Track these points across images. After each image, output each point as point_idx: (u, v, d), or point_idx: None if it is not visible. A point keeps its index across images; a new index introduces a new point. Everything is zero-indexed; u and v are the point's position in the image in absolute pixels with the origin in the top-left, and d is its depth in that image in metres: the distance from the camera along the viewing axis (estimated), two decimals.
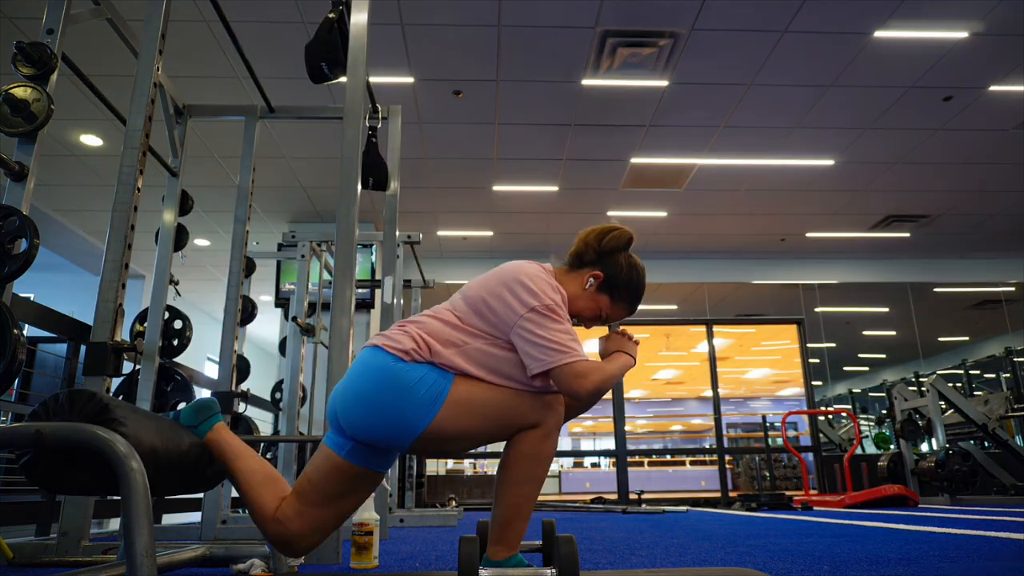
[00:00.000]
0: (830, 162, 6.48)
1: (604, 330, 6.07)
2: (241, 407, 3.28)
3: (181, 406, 1.65)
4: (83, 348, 2.76)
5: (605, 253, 1.44)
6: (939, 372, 10.70)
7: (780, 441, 8.40)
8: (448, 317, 1.38)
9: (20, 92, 1.96)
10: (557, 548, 1.27)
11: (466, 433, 1.32)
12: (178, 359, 3.08)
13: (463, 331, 1.36)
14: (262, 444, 4.47)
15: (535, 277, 1.35)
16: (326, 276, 4.93)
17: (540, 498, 7.40)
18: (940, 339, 11.85)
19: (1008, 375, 9.50)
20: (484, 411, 1.31)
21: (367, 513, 1.88)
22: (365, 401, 1.31)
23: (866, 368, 13.76)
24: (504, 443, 1.38)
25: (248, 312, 3.92)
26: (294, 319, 4.40)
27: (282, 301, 6.96)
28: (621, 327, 1.48)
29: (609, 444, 8.33)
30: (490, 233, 8.05)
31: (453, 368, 1.33)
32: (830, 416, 9.58)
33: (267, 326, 10.32)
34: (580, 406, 1.48)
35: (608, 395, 8.27)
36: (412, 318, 1.42)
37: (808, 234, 8.32)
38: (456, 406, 1.30)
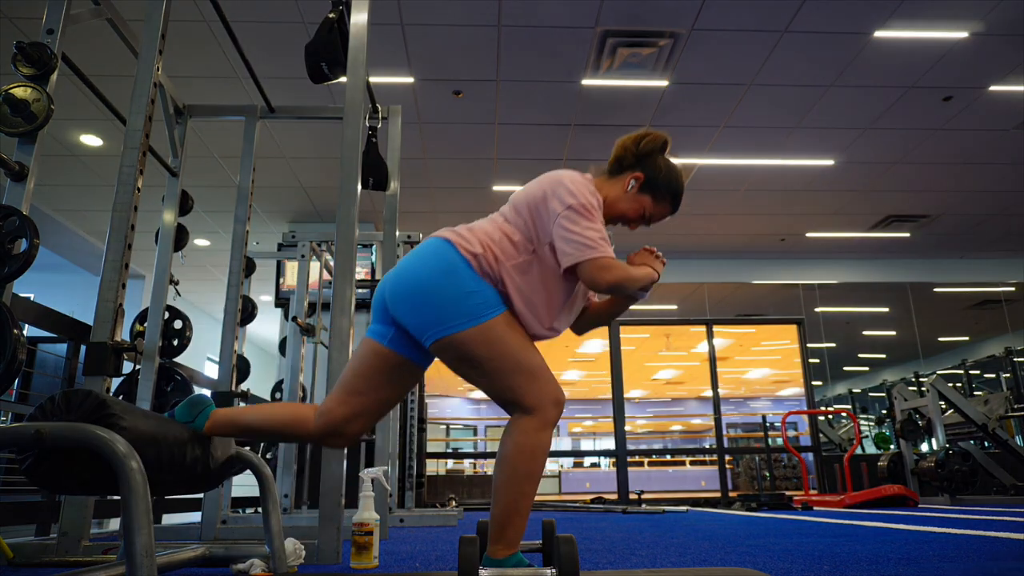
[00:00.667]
0: (830, 162, 6.48)
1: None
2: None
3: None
4: (83, 348, 2.76)
5: (644, 155, 1.51)
6: (939, 372, 10.69)
7: (780, 441, 8.40)
8: (504, 228, 1.44)
9: (20, 92, 1.96)
10: (557, 548, 1.28)
11: (478, 360, 1.35)
12: (178, 359, 3.08)
13: (514, 245, 1.41)
14: (262, 444, 4.47)
15: (574, 180, 1.42)
16: (326, 276, 4.93)
17: (539, 498, 7.40)
18: (940, 339, 11.85)
19: (1008, 375, 9.49)
20: (504, 353, 1.34)
21: (367, 513, 1.88)
22: (419, 283, 1.37)
23: (866, 368, 13.77)
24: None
25: (248, 312, 3.92)
26: (294, 319, 4.40)
27: (282, 301, 6.96)
28: (651, 246, 1.53)
29: (609, 444, 8.33)
30: None
31: (505, 289, 1.38)
32: (830, 416, 9.59)
33: (267, 326, 10.32)
34: (603, 313, 1.58)
35: (608, 395, 8.28)
36: (475, 224, 1.47)
37: (808, 234, 8.32)
38: (489, 332, 1.34)
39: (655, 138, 1.52)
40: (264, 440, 1.53)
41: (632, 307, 1.61)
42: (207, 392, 3.66)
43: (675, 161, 1.56)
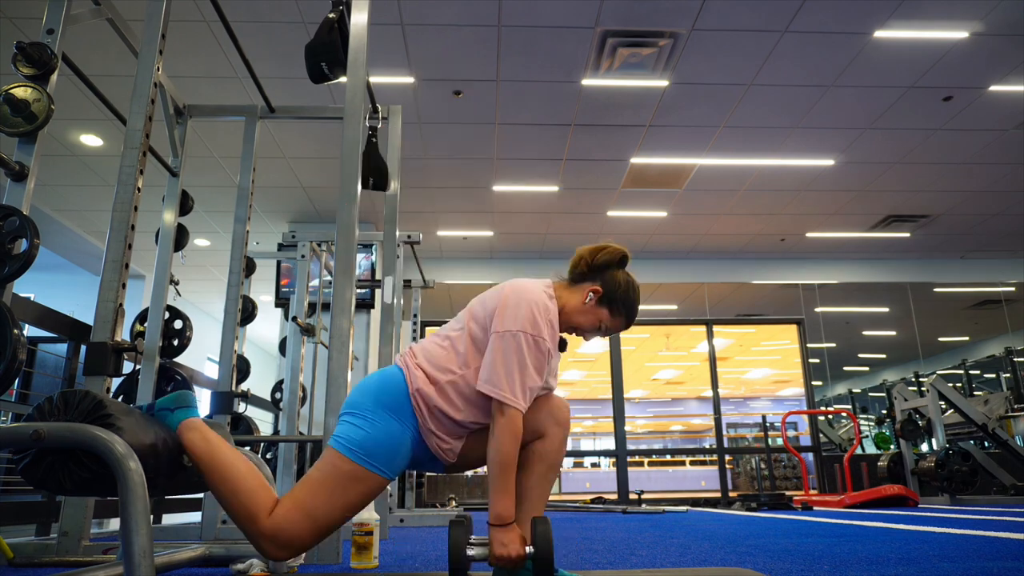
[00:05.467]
0: (830, 162, 6.48)
1: None
2: (241, 407, 3.28)
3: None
4: (83, 348, 2.77)
5: (599, 267, 1.53)
6: (939, 372, 10.69)
7: (780, 441, 8.40)
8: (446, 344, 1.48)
9: (20, 92, 1.96)
10: (534, 527, 1.31)
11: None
12: (178, 359, 3.08)
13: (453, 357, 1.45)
14: (262, 444, 4.47)
15: (536, 303, 1.43)
16: (326, 276, 4.93)
17: None
18: (940, 339, 11.84)
19: (1008, 375, 9.50)
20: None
21: (367, 513, 1.87)
22: None
23: (866, 368, 13.76)
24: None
25: (248, 312, 3.92)
26: (294, 319, 4.40)
27: (282, 301, 6.96)
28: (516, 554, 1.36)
29: (609, 444, 8.33)
30: (490, 233, 8.05)
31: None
32: (830, 416, 9.59)
33: (267, 326, 10.32)
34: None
35: (608, 395, 8.28)
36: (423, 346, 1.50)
37: (808, 234, 8.32)
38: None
39: (613, 252, 1.54)
40: (210, 488, 1.42)
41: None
42: (207, 392, 3.67)
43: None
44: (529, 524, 1.36)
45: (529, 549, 1.30)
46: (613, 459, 8.29)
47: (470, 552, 1.30)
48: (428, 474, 7.92)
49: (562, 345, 1.52)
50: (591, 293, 1.51)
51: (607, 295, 1.52)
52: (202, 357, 9.68)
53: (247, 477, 1.36)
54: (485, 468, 1.41)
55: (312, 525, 1.32)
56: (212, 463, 1.35)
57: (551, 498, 8.10)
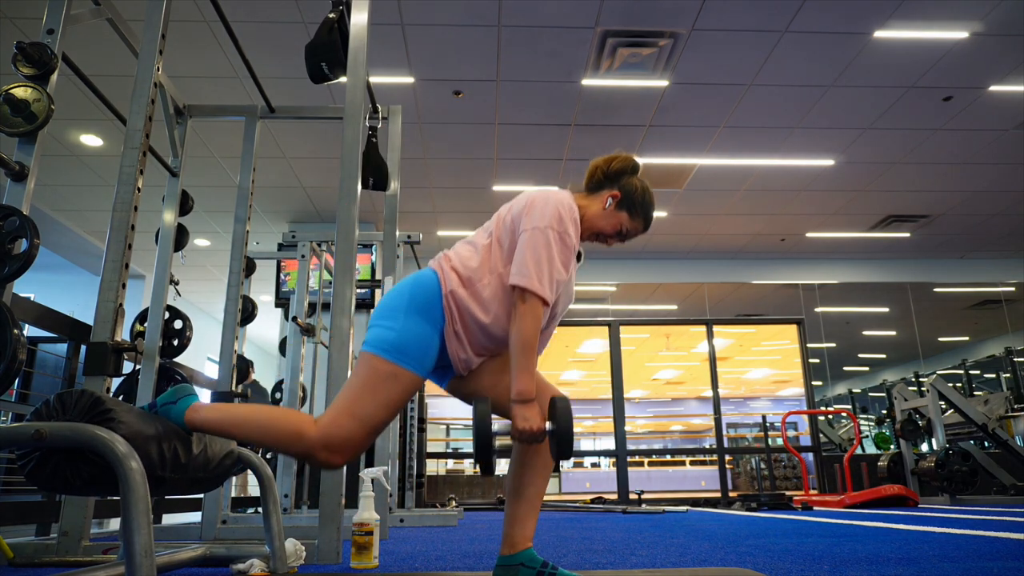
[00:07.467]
0: (830, 162, 6.48)
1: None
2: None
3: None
4: (83, 348, 2.76)
5: (614, 174, 1.59)
6: (939, 372, 10.69)
7: (780, 441, 8.40)
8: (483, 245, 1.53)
9: (20, 92, 1.96)
10: (552, 405, 1.34)
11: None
12: (178, 359, 3.08)
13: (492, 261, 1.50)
14: None
15: (561, 203, 1.48)
16: (326, 276, 4.93)
17: None
18: (940, 339, 11.84)
19: (1008, 375, 9.50)
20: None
21: (367, 513, 1.88)
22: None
23: (866, 368, 13.76)
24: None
25: (248, 312, 3.92)
26: (294, 319, 4.40)
27: (282, 301, 6.97)
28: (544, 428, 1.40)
29: (609, 444, 8.32)
30: None
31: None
32: (830, 416, 9.58)
33: (267, 326, 10.32)
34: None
35: (608, 395, 8.27)
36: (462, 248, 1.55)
37: (808, 234, 8.32)
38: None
39: (626, 159, 1.61)
40: (246, 441, 1.48)
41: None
42: (207, 392, 3.67)
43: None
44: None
45: (549, 425, 1.34)
46: (613, 459, 8.28)
47: (495, 426, 1.34)
48: (428, 473, 7.92)
49: (578, 256, 1.58)
50: (610, 198, 1.57)
51: (626, 199, 1.57)
52: (202, 357, 9.68)
53: (271, 411, 1.44)
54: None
55: (360, 426, 1.38)
56: (234, 419, 1.42)
57: (551, 498, 8.11)
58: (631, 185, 1.58)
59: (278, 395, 4.89)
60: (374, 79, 4.72)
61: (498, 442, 1.36)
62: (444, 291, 1.45)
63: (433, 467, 8.81)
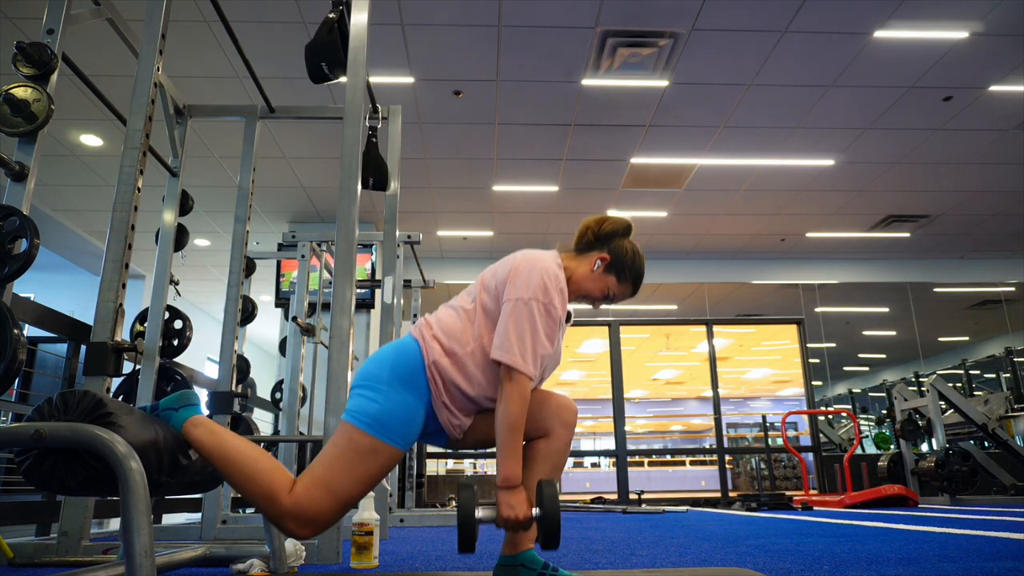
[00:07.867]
0: (830, 162, 6.48)
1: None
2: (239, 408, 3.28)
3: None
4: (83, 348, 2.76)
5: (607, 237, 1.57)
6: (939, 372, 10.69)
7: (780, 441, 8.40)
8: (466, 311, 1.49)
9: (20, 92, 1.96)
10: (540, 490, 1.32)
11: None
12: (178, 359, 3.08)
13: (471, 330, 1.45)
14: (262, 444, 4.47)
15: (547, 271, 1.44)
16: (326, 276, 4.93)
17: None
18: (940, 339, 11.85)
19: (1008, 375, 9.50)
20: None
21: (367, 513, 1.87)
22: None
23: (866, 368, 13.76)
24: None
25: (248, 312, 3.92)
26: (294, 319, 4.40)
27: (282, 301, 6.96)
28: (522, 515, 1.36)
29: (609, 444, 8.32)
30: (490, 233, 8.05)
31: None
32: (830, 416, 9.58)
33: (267, 326, 10.32)
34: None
35: (608, 395, 8.27)
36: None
37: (808, 234, 8.32)
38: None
39: (618, 222, 1.59)
40: (226, 479, 1.43)
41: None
42: (206, 393, 3.66)
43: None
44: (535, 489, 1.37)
45: (536, 511, 1.31)
46: (613, 459, 8.28)
47: (478, 513, 1.31)
48: (428, 473, 7.92)
49: (567, 317, 1.54)
50: (599, 261, 1.54)
51: (615, 262, 1.55)
52: (202, 357, 9.68)
53: (260, 460, 1.37)
54: (486, 448, 1.42)
55: (333, 500, 1.34)
56: (223, 454, 1.36)
57: None
58: (621, 248, 1.55)
59: (278, 395, 4.89)
60: (374, 79, 4.72)
61: (481, 518, 1.32)
62: (427, 361, 1.41)
63: (433, 467, 8.81)
